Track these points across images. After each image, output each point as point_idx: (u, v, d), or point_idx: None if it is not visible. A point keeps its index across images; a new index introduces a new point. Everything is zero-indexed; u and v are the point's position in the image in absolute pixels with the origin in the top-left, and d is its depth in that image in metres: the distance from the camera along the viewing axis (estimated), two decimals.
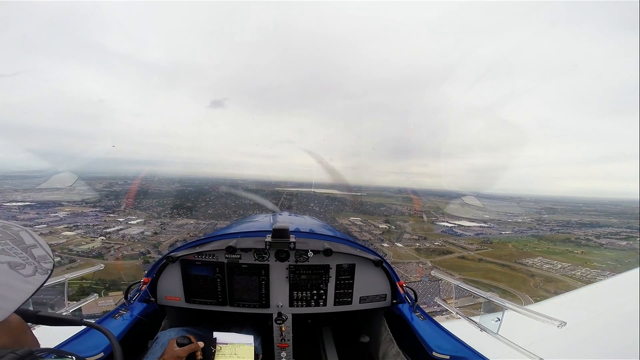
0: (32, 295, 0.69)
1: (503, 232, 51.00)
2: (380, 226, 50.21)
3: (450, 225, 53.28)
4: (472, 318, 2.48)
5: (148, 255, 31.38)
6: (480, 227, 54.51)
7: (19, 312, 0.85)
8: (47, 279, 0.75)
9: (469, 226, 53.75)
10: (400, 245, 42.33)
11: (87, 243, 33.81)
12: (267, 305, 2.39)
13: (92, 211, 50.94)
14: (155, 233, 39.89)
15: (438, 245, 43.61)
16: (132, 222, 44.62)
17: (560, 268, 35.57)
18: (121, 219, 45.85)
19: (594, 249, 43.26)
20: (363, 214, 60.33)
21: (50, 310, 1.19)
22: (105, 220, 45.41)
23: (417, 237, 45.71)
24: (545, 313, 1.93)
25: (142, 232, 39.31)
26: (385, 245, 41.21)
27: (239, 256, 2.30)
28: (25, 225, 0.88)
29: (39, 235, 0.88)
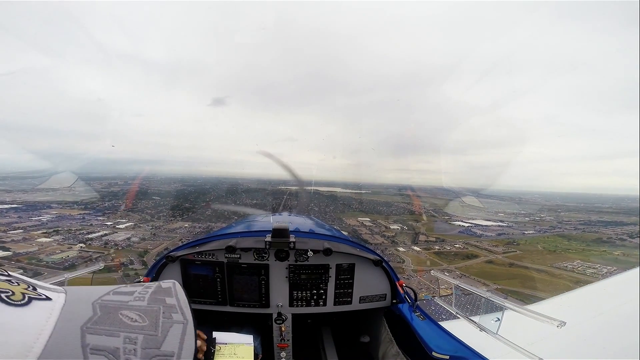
0: None
1: (526, 232, 45.73)
2: (392, 227, 45.02)
3: (466, 224, 48.07)
4: (472, 318, 2.20)
5: (130, 267, 26.17)
6: (499, 226, 49.35)
7: None
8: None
9: (487, 225, 48.54)
10: (418, 248, 37.09)
11: (62, 252, 28.69)
12: (267, 305, 2.31)
13: (80, 214, 46.11)
14: (143, 239, 34.78)
15: (459, 248, 38.34)
16: (120, 226, 39.50)
17: (606, 272, 30.28)
18: (109, 223, 40.78)
19: (633, 250, 38.03)
20: (371, 213, 55.42)
21: None
22: (91, 224, 40.43)
23: (434, 239, 40.48)
24: (545, 313, 1.80)
25: (129, 238, 34.19)
26: (401, 249, 35.95)
27: (238, 256, 2.21)
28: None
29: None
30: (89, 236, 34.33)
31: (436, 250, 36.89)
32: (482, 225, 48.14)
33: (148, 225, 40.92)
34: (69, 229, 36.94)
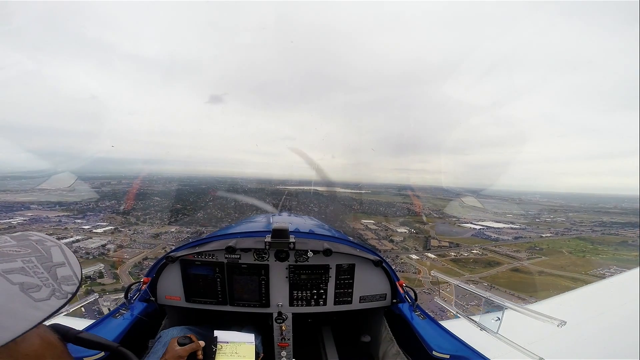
0: (40, 323, 0.59)
1: (543, 235, 41.50)
2: (399, 230, 40.53)
3: (477, 227, 43.73)
4: (472, 317, 2.27)
5: (97, 282, 21.10)
6: (512, 228, 45.16)
7: (58, 330, 0.78)
8: (64, 305, 0.62)
9: (499, 228, 44.28)
10: (432, 255, 32.55)
11: None
12: (267, 305, 2.25)
13: (57, 216, 40.80)
14: (121, 246, 29.68)
15: (477, 253, 33.88)
16: (97, 230, 34.31)
17: None
18: (86, 227, 35.59)
19: None
20: (374, 215, 50.98)
21: (90, 332, 0.99)
22: (66, 228, 35.21)
23: (447, 244, 35.97)
24: (545, 312, 1.81)
25: (104, 246, 29.09)
26: (414, 257, 31.38)
27: (238, 256, 2.15)
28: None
29: (74, 252, 0.76)
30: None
31: (452, 257, 32.41)
32: (494, 228, 43.89)
33: (130, 230, 35.78)
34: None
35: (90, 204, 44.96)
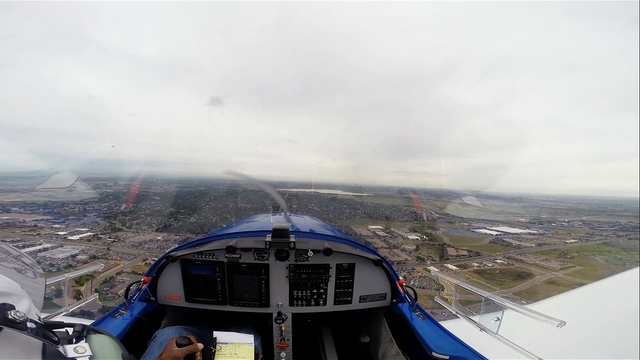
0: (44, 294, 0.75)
1: (567, 242, 37.28)
2: (410, 237, 36.24)
3: (493, 232, 39.50)
4: (472, 318, 2.21)
5: (51, 301, 16.49)
6: (530, 234, 41.01)
7: None
8: (46, 281, 0.76)
9: (517, 233, 40.08)
10: (453, 267, 28.19)
11: None
12: (267, 305, 2.23)
13: (35, 220, 36.21)
14: (94, 257, 25.07)
15: (502, 263, 29.57)
16: (73, 237, 29.74)
17: None
18: (62, 233, 31.06)
19: None
20: (379, 219, 46.78)
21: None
22: (38, 234, 30.69)
23: (466, 253, 31.61)
24: (544, 313, 1.75)
25: (74, 256, 24.48)
26: (432, 268, 26.94)
27: (239, 256, 2.14)
28: None
29: (37, 262, 0.87)
30: (22, 250, 24.59)
31: (476, 268, 28.11)
32: (512, 234, 39.65)
33: (110, 237, 31.21)
34: (2, 240, 27.22)
35: (76, 207, 40.51)
